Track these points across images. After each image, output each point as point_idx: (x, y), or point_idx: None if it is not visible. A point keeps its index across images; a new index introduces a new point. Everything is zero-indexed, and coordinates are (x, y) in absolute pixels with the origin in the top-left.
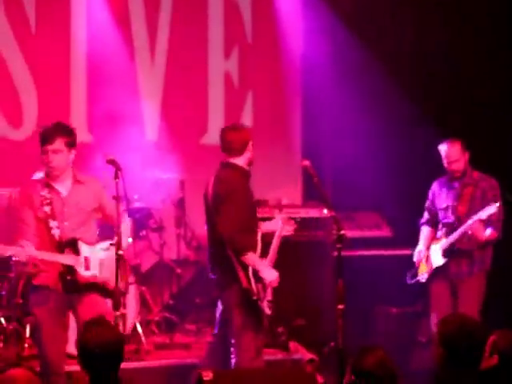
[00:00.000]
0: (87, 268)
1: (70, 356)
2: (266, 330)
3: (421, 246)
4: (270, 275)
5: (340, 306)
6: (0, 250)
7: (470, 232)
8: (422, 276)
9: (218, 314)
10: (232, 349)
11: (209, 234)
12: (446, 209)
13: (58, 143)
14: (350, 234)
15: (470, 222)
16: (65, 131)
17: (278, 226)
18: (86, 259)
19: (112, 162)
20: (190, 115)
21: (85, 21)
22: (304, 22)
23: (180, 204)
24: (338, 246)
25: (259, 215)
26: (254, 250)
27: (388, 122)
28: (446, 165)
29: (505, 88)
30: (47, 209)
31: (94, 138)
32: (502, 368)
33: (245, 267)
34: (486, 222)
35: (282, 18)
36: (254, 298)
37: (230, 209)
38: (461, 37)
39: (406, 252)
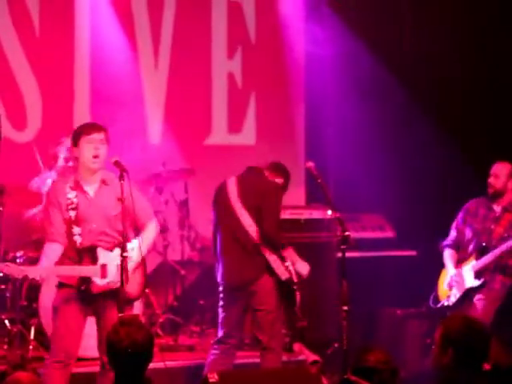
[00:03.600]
0: (103, 276)
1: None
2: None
3: (452, 270)
4: (305, 268)
5: (344, 308)
6: (17, 273)
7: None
8: (449, 300)
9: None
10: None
11: (228, 232)
12: (480, 231)
13: (105, 135)
14: (353, 235)
15: (506, 245)
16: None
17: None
18: (103, 267)
19: (117, 164)
20: (193, 116)
21: (88, 23)
22: (307, 22)
23: (184, 205)
24: (343, 247)
25: None
26: None
27: (392, 124)
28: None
29: None
30: (72, 214)
31: None
32: (496, 375)
33: (283, 260)
34: None
35: (285, 18)
36: (295, 287)
37: (273, 206)
38: (465, 38)
39: (410, 253)
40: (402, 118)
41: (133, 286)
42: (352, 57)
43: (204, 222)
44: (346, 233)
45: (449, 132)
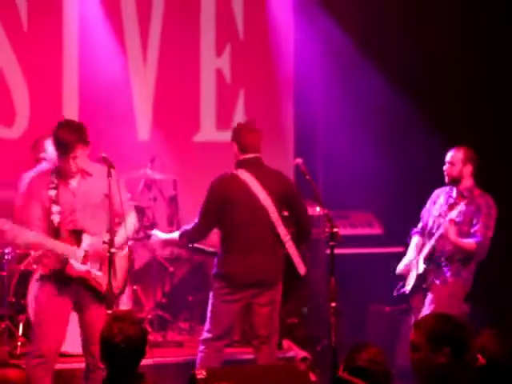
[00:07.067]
0: (84, 262)
1: (64, 355)
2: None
3: (410, 256)
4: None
5: (333, 304)
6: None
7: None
8: (407, 287)
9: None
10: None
11: (257, 230)
12: (436, 217)
13: (79, 150)
14: (342, 231)
15: (438, 232)
16: (80, 134)
17: None
18: (86, 252)
19: (105, 160)
20: (182, 113)
21: (77, 18)
22: (296, 19)
23: (173, 202)
24: (331, 243)
25: None
26: None
27: (381, 121)
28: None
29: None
30: (52, 193)
31: None
32: (490, 369)
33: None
34: (467, 233)
35: (274, 15)
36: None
37: (302, 201)
38: (459, 39)
39: (398, 250)
40: (393, 114)
41: (117, 280)
42: (341, 52)
43: (193, 218)
44: (335, 229)
45: (439, 130)
